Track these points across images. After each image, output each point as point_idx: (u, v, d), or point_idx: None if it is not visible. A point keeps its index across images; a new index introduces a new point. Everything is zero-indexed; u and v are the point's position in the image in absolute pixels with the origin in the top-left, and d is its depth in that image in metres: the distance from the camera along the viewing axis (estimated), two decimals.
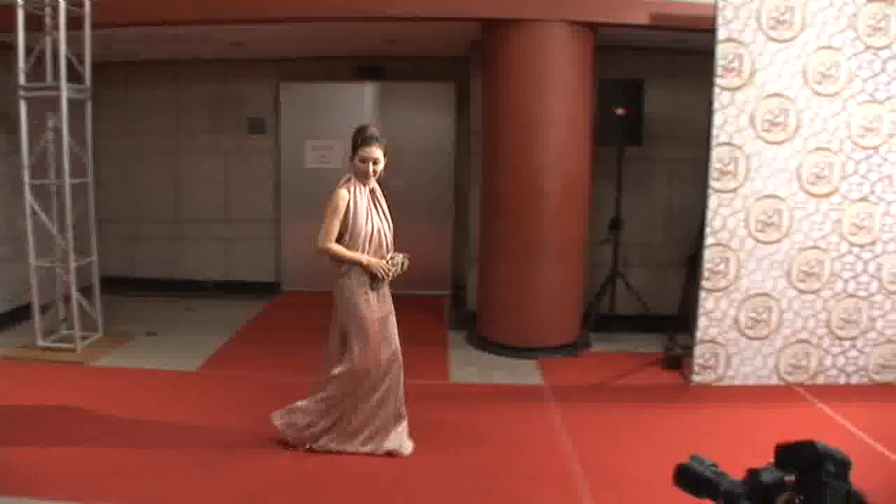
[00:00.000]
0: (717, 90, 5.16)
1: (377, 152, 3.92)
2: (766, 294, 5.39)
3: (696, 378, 5.42)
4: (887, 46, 5.30)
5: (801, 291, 5.43)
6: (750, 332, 5.43)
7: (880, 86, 5.32)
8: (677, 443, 4.42)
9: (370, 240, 3.98)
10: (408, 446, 4.18)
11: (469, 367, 5.81)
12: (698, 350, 5.40)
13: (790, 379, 5.53)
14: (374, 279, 3.98)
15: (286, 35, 6.71)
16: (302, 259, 8.12)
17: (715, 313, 5.36)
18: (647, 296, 6.65)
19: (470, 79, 6.92)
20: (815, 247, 5.39)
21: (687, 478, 1.24)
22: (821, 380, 5.56)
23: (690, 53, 6.10)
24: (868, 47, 5.27)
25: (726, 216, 5.27)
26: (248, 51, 7.49)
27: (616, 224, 6.52)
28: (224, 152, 8.17)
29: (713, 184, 5.23)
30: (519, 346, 6.00)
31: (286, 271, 8.27)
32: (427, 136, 8.07)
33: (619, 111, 6.13)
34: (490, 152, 6.09)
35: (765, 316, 5.42)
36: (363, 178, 3.96)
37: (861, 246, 5.44)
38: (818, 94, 5.25)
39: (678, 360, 5.73)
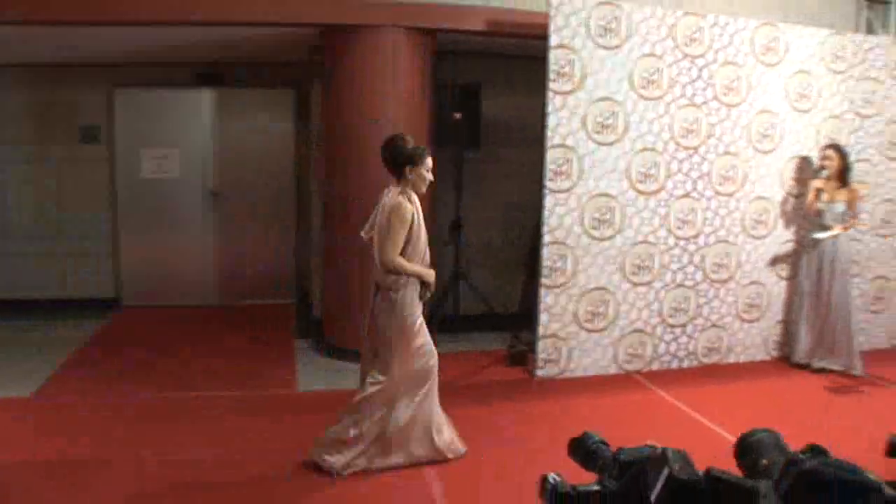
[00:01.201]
0: (550, 94, 5.21)
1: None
2: (602, 288, 5.50)
3: (540, 372, 5.45)
4: (702, 55, 5.58)
5: (635, 284, 5.59)
6: (589, 325, 5.52)
7: (698, 91, 5.59)
8: (523, 434, 4.42)
9: (424, 251, 3.91)
10: (458, 447, 4.07)
11: (317, 374, 5.58)
12: (541, 345, 5.43)
13: (629, 367, 5.68)
14: (424, 289, 3.88)
15: (120, 39, 6.22)
16: (143, 273, 7.58)
17: (555, 309, 5.41)
18: (490, 295, 6.64)
19: (310, 85, 6.70)
20: (645, 241, 5.56)
21: (577, 450, 1.32)
22: (656, 366, 5.76)
23: (526, 59, 6.15)
24: (686, 55, 5.53)
25: (562, 215, 5.33)
26: (79, 55, 6.89)
27: (457, 226, 6.48)
28: (55, 163, 7.47)
29: (549, 184, 5.27)
30: None
31: (126, 286, 7.67)
32: (267, 143, 7.73)
33: (458, 115, 6.10)
34: (330, 158, 5.88)
35: (602, 309, 5.54)
36: (421, 187, 3.91)
37: (686, 239, 5.68)
38: (643, 97, 5.44)
39: (523, 356, 5.76)
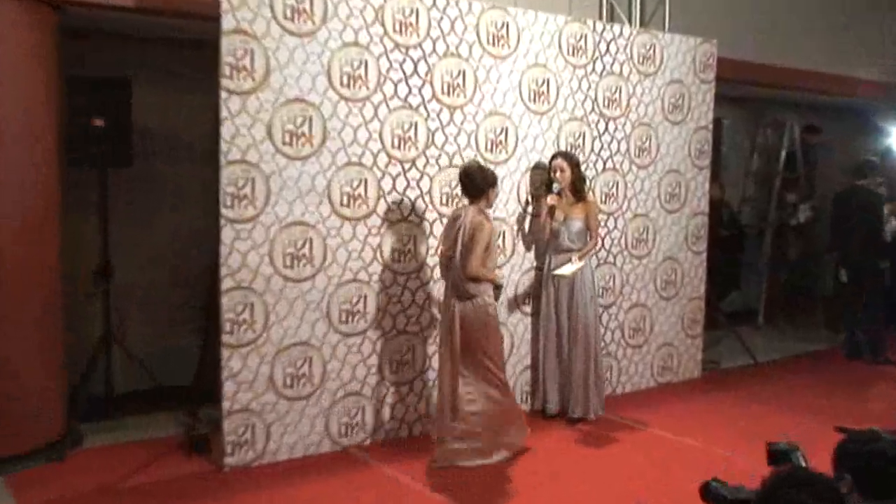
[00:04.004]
0: (223, 94, 5.27)
1: None
2: (304, 343, 5.67)
3: (230, 460, 5.48)
4: (418, 45, 5.99)
5: (346, 335, 5.83)
6: (290, 392, 5.66)
7: (414, 89, 5.98)
8: None
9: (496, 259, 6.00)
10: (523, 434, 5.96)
11: None
12: (228, 424, 5.45)
13: (346, 441, 5.90)
14: (498, 290, 5.76)
15: None
16: None
17: (244, 374, 5.47)
18: (155, 362, 6.57)
19: None
20: (355, 280, 5.83)
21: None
22: (381, 436, 6.04)
23: (196, 46, 6.19)
24: (398, 45, 5.90)
25: (245, 251, 5.41)
26: None
27: (105, 271, 6.35)
28: None
29: (226, 212, 5.33)
30: None
31: None
32: None
33: (98, 121, 5.95)
34: None
35: (305, 370, 5.70)
36: (493, 203, 5.93)
37: (406, 274, 6.04)
38: (346, 98, 5.71)
39: (205, 442, 5.76)
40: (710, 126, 7.91)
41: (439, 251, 5.93)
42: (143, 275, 6.83)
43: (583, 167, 6.67)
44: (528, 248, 6.72)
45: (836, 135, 11.37)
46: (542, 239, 6.63)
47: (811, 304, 11.27)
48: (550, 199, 6.42)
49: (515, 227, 6.61)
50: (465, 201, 5.76)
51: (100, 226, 6.36)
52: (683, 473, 5.35)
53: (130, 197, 6.66)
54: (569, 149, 6.77)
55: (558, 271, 6.39)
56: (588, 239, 6.52)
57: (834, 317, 10.33)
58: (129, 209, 6.68)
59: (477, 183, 5.63)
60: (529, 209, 6.66)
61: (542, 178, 6.60)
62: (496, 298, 5.74)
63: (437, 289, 6.16)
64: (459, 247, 5.61)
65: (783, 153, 10.91)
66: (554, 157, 6.51)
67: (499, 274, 5.94)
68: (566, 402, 6.62)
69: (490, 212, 5.84)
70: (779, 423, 6.54)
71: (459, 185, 5.76)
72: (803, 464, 2.64)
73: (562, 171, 6.40)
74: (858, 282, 8.90)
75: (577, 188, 6.47)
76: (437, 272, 6.10)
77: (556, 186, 6.42)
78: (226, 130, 5.31)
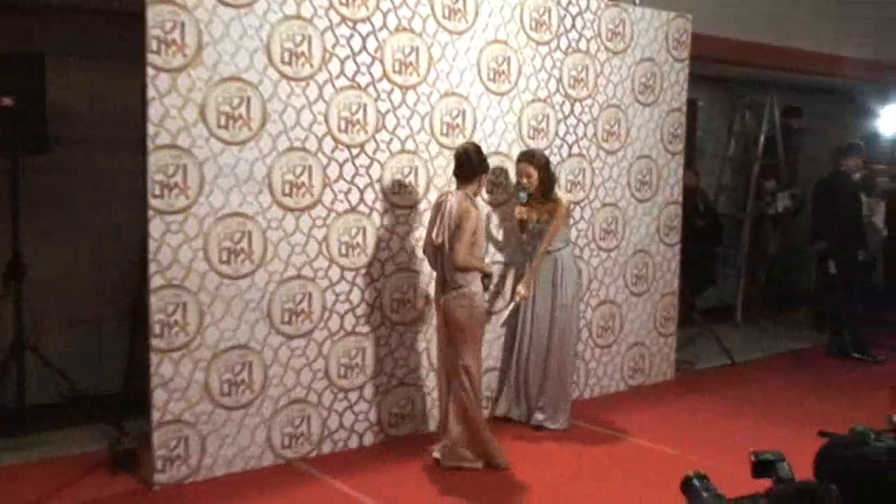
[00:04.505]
0: (151, 71, 5.12)
1: None
2: (243, 346, 5.54)
3: (161, 477, 5.34)
4: (367, 19, 5.84)
5: (289, 336, 5.71)
6: (228, 401, 5.52)
7: (362, 67, 5.85)
8: None
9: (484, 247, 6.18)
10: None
11: None
12: (158, 437, 5.32)
13: (290, 454, 5.78)
14: (487, 280, 5.80)
15: None
16: None
17: (176, 382, 5.34)
18: (75, 370, 6.38)
19: None
20: (299, 276, 5.71)
21: None
22: (328, 447, 5.94)
23: (123, 16, 5.99)
24: (344, 18, 5.75)
25: (177, 246, 5.27)
26: None
27: (15, 270, 6.15)
28: None
29: (154, 202, 5.18)
30: None
31: None
32: None
33: (7, 100, 5.75)
34: None
35: (245, 376, 5.56)
36: (483, 192, 6.19)
37: (355, 270, 5.93)
38: (287, 77, 5.55)
39: (132, 457, 5.61)
40: (684, 108, 7.86)
41: (424, 240, 5.91)
42: (60, 273, 6.65)
43: (552, 164, 6.58)
44: (496, 247, 6.72)
45: (819, 118, 11.39)
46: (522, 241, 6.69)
47: (793, 299, 11.31)
48: (518, 213, 6.45)
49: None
50: (453, 186, 5.76)
51: (10, 218, 6.13)
52: (665, 486, 5.25)
53: (46, 186, 6.47)
54: (531, 133, 6.68)
55: (502, 321, 6.53)
56: (567, 238, 6.59)
57: (817, 313, 10.38)
58: (44, 200, 6.50)
59: (473, 164, 5.67)
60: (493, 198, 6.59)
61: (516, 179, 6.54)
62: (486, 288, 5.81)
63: (389, 286, 6.06)
64: (446, 234, 5.63)
65: (762, 137, 10.92)
66: (518, 160, 6.42)
67: (486, 264, 5.91)
68: (532, 408, 6.56)
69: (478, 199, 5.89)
70: (759, 427, 6.56)
71: (453, 164, 5.74)
72: (790, 474, 2.54)
73: (528, 176, 6.31)
74: (845, 275, 8.91)
75: (547, 189, 6.38)
76: (388, 268, 6.02)
77: (522, 195, 6.35)
78: (153, 112, 5.15)
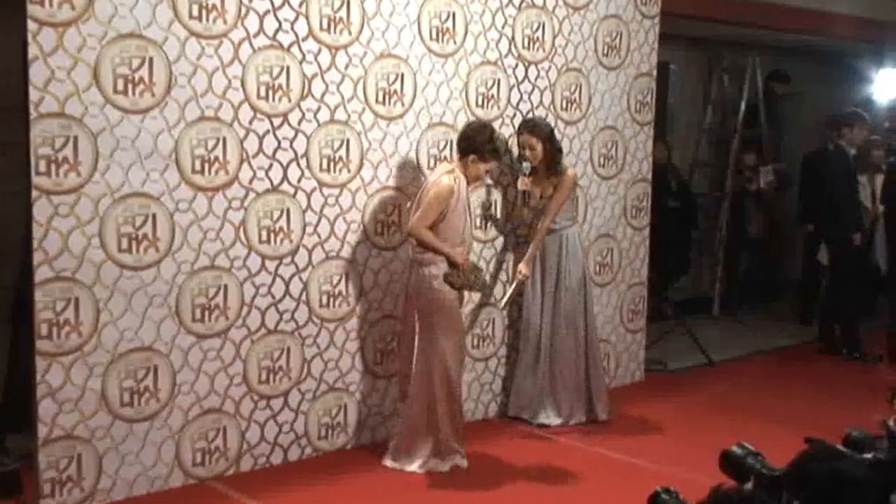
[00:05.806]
0: (32, 25, 5.03)
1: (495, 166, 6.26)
2: (147, 348, 5.51)
3: (49, 503, 5.26)
4: None
5: (201, 336, 5.68)
6: (129, 412, 5.49)
7: (284, 24, 5.82)
8: None
9: (462, 239, 6.10)
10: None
11: None
12: (46, 456, 5.26)
13: (203, 473, 5.76)
14: (455, 272, 5.93)
15: None
16: None
17: (66, 391, 5.28)
18: None
19: None
20: (213, 266, 5.68)
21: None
22: (247, 464, 5.93)
23: None
24: None
25: (67, 232, 5.21)
26: None
27: None
28: None
29: (39, 181, 5.12)
30: None
31: None
32: None
33: None
34: None
35: (149, 382, 5.53)
36: (473, 181, 6.18)
37: (278, 258, 5.93)
38: (195, 34, 5.50)
39: (15, 479, 5.55)
40: (654, 72, 7.96)
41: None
42: None
43: (556, 135, 6.81)
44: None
45: (807, 83, 11.53)
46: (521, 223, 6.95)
47: (777, 290, 11.46)
48: (521, 185, 6.59)
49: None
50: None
51: None
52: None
53: None
54: (479, 100, 6.73)
55: (501, 302, 6.80)
56: (573, 215, 6.87)
57: (805, 306, 10.51)
58: None
59: (462, 141, 6.04)
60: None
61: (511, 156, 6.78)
62: (453, 285, 5.96)
63: (318, 277, 6.06)
64: (415, 203, 6.03)
65: (743, 105, 11.01)
66: (519, 131, 6.64)
67: (452, 250, 6.00)
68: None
69: (464, 185, 6.01)
70: (739, 435, 6.46)
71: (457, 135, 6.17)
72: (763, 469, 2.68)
73: (531, 148, 6.51)
74: (839, 263, 9.05)
75: (555, 161, 6.56)
76: (316, 256, 6.05)
77: (526, 166, 6.50)
78: (36, 73, 5.07)
